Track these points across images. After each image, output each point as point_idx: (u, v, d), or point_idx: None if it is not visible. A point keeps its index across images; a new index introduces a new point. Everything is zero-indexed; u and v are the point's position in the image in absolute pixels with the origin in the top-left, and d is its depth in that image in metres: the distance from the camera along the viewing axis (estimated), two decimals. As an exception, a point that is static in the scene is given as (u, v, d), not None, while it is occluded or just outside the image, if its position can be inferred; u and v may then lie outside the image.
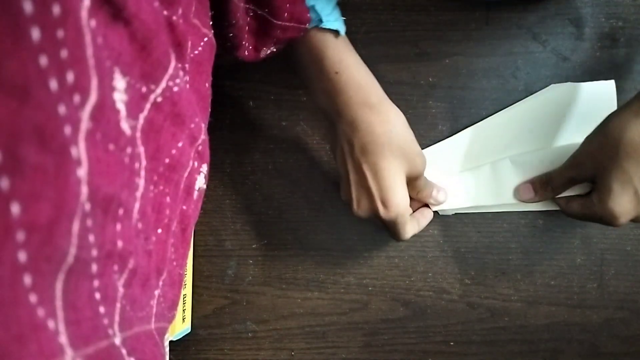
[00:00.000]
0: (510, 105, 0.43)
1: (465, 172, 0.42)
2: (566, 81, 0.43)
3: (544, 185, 0.40)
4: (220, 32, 0.29)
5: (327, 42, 0.33)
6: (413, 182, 0.37)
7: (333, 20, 0.33)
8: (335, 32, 0.33)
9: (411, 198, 0.37)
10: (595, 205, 0.35)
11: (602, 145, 0.34)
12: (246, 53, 0.32)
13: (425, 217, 0.40)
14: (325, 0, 0.33)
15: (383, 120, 0.34)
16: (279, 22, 0.31)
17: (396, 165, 0.34)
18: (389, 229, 0.36)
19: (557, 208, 0.41)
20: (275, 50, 0.34)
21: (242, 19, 0.29)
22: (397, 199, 0.34)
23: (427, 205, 0.41)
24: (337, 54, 0.34)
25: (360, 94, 0.33)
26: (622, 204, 0.33)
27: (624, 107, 0.34)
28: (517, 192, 0.41)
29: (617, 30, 0.43)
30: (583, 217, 0.37)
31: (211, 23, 0.27)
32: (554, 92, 0.42)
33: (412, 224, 0.37)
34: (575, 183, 0.38)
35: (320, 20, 0.32)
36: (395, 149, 0.34)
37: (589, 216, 0.36)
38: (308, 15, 0.32)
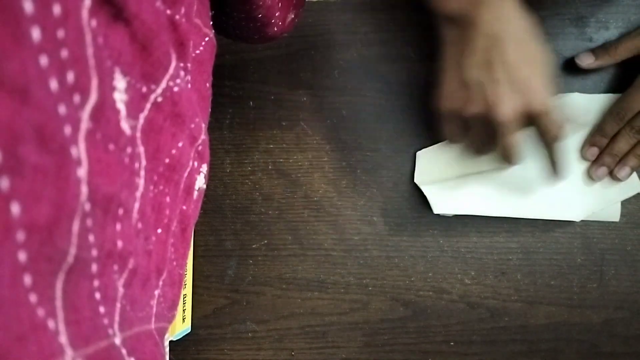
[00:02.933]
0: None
1: (468, 176, 0.42)
2: (566, 81, 0.43)
3: (606, 49, 0.38)
4: (248, 15, 0.29)
5: None
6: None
7: None
8: None
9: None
10: None
11: None
12: (275, 29, 0.33)
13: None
14: None
15: (521, 9, 0.32)
16: None
17: (544, 50, 0.32)
18: (539, 127, 0.33)
19: (559, 218, 0.40)
20: (294, 17, 0.34)
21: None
22: (551, 86, 0.31)
23: None
24: None
25: None
26: None
27: None
28: (578, 57, 0.40)
29: (617, 30, 0.43)
30: (633, 99, 0.37)
31: (237, 13, 0.28)
32: (571, 100, 0.42)
33: None
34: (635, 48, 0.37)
35: None
36: (535, 38, 0.32)
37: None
38: None
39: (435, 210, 0.41)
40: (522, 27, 0.32)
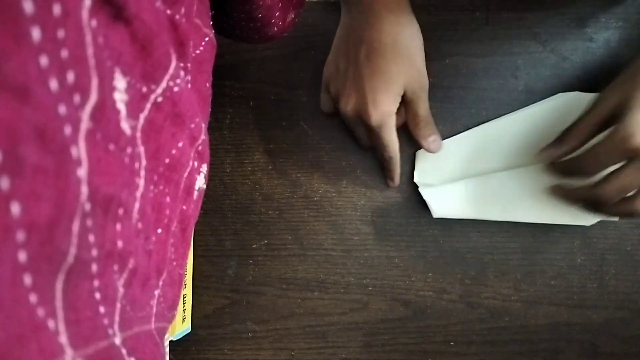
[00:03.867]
0: (510, 105, 0.43)
1: (469, 180, 0.41)
2: (566, 81, 0.43)
3: (566, 132, 0.36)
4: (248, 15, 0.30)
5: None
6: (413, 108, 0.37)
7: None
8: None
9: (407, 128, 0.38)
10: (613, 131, 0.31)
11: (627, 77, 0.31)
12: (275, 29, 0.33)
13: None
14: None
15: (396, 22, 0.33)
16: None
17: (396, 71, 0.34)
18: (372, 137, 0.36)
19: (570, 223, 0.40)
20: (294, 16, 0.35)
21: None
22: (384, 104, 0.34)
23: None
24: None
25: None
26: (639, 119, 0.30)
27: None
28: (541, 153, 0.37)
29: (617, 30, 0.43)
30: (602, 154, 0.32)
31: (237, 13, 0.28)
32: (561, 101, 0.42)
33: (396, 137, 0.37)
34: (600, 125, 0.33)
35: None
36: (399, 56, 0.33)
37: (607, 148, 0.31)
38: None
39: (435, 215, 0.41)
40: (383, 42, 0.34)
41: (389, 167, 0.40)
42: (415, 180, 0.43)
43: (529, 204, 0.41)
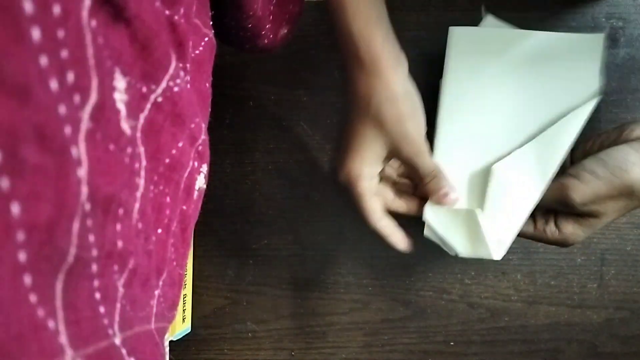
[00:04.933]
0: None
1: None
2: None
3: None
4: (238, 24, 0.29)
5: None
6: (412, 168, 0.33)
7: None
8: None
9: (416, 186, 0.34)
10: (566, 238, 0.33)
11: (618, 187, 0.30)
12: (266, 41, 0.32)
13: (404, 205, 0.35)
14: None
15: (369, 83, 0.30)
16: None
17: (370, 135, 0.31)
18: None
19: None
20: (287, 32, 0.34)
21: (261, 10, 0.29)
22: (350, 164, 0.31)
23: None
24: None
25: (352, 45, 0.30)
26: (588, 185, 0.31)
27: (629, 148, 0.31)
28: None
29: (617, 30, 0.43)
30: (531, 238, 0.35)
31: (228, 20, 0.28)
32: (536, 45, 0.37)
33: (376, 202, 0.33)
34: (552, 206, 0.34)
35: None
36: (372, 119, 0.31)
37: (546, 242, 0.34)
38: None
39: (496, 257, 0.34)
40: (377, 106, 0.31)
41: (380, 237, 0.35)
42: (426, 234, 0.37)
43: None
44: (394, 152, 0.32)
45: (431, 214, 0.35)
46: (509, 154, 0.36)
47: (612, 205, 0.31)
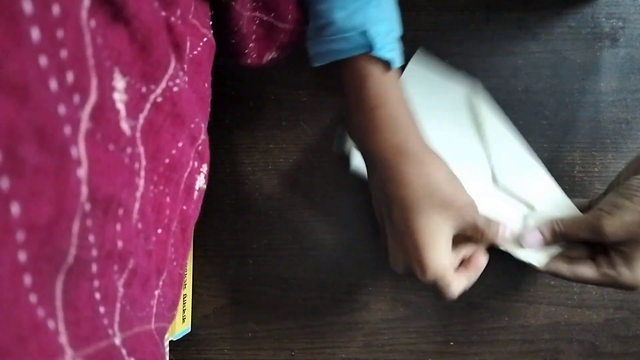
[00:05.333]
0: (511, 105, 0.43)
1: None
2: (566, 81, 0.43)
3: (555, 236, 0.36)
4: (224, 38, 0.29)
5: (371, 72, 0.29)
6: (470, 230, 0.32)
7: (386, 50, 0.29)
8: (386, 64, 0.29)
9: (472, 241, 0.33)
10: (622, 275, 0.32)
11: (629, 208, 0.31)
12: (249, 61, 0.32)
13: (476, 267, 0.33)
14: (384, 27, 0.29)
15: (422, 172, 0.29)
16: (284, 26, 0.30)
17: (439, 222, 0.29)
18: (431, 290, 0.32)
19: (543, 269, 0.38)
20: (276, 56, 0.34)
21: (245, 28, 0.29)
22: (435, 262, 0.29)
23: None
24: (378, 87, 0.29)
25: (397, 137, 0.29)
26: None
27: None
28: (522, 238, 0.37)
29: (617, 30, 0.43)
30: (597, 284, 0.34)
31: (211, 24, 0.27)
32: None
33: (460, 281, 0.32)
34: (591, 238, 0.34)
35: (370, 48, 0.28)
36: (438, 204, 0.29)
37: (608, 284, 0.34)
38: (307, 17, 0.31)
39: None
40: (413, 197, 0.30)
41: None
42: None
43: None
44: (459, 230, 0.31)
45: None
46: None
47: None
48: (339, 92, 0.44)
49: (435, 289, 0.31)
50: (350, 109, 0.31)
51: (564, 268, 0.36)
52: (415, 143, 0.30)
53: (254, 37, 0.31)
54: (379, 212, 0.32)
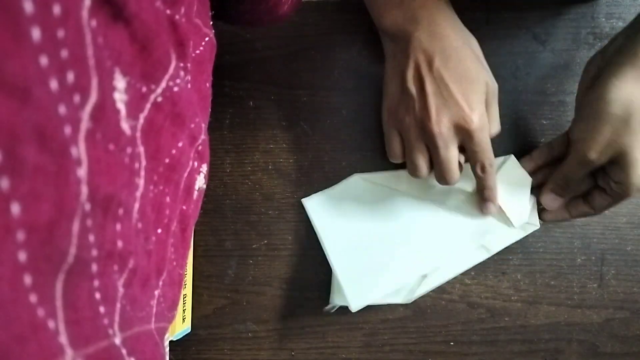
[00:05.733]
0: (510, 105, 0.43)
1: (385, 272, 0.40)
2: (566, 81, 0.43)
3: (565, 188, 0.37)
4: None
5: None
6: (488, 111, 0.35)
7: None
8: None
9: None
10: (622, 187, 0.33)
11: (603, 114, 0.31)
12: (286, 7, 0.32)
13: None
14: None
15: (458, 30, 0.33)
16: None
17: (476, 71, 0.32)
18: (472, 147, 0.33)
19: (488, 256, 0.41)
20: None
21: None
22: (481, 104, 0.32)
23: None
24: None
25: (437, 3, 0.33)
26: None
27: (608, 75, 0.31)
28: (544, 201, 0.39)
29: (617, 30, 0.43)
30: (609, 207, 0.36)
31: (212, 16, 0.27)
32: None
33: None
34: (589, 170, 0.35)
35: None
36: (473, 55, 0.32)
37: (616, 202, 0.35)
38: None
39: (353, 309, 0.39)
40: (454, 46, 0.32)
41: (487, 181, 0.36)
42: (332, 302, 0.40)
43: (456, 254, 0.41)
44: (487, 89, 0.34)
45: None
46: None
47: (627, 138, 0.31)
48: (339, 92, 0.44)
49: (480, 139, 0.32)
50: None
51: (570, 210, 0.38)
52: (451, 8, 0.35)
53: None
54: (415, 80, 0.33)
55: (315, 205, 0.42)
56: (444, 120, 0.32)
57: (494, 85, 0.34)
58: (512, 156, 0.41)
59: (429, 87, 0.32)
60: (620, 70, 0.30)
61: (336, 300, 0.40)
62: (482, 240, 0.40)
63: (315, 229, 0.42)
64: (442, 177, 0.34)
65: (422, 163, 0.34)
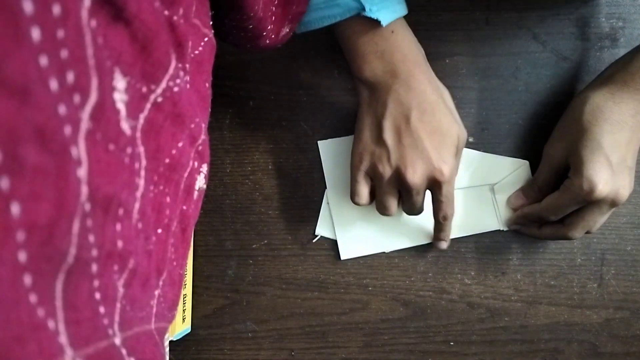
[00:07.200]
0: (510, 105, 0.43)
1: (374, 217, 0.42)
2: (566, 81, 0.43)
3: (531, 186, 0.41)
4: (238, 25, 0.29)
5: (364, 28, 0.34)
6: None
7: (376, 10, 0.32)
8: (377, 22, 0.32)
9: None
10: (572, 183, 0.35)
11: (567, 122, 0.36)
12: (268, 41, 0.33)
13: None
14: None
15: (434, 84, 0.35)
16: None
17: (448, 126, 0.34)
18: (439, 197, 0.35)
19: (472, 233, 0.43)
20: (289, 30, 0.34)
21: (262, 11, 0.29)
22: (452, 157, 0.34)
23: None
24: (373, 36, 0.34)
25: (414, 53, 0.34)
26: (596, 170, 0.33)
27: (584, 89, 0.37)
28: (509, 200, 0.42)
29: (617, 30, 0.43)
30: (565, 206, 0.36)
31: (228, 21, 0.27)
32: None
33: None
34: (556, 173, 0.38)
35: (360, 10, 0.32)
36: (446, 110, 0.34)
37: (570, 200, 0.36)
38: None
39: (343, 257, 0.43)
40: (429, 100, 0.34)
41: (445, 227, 0.39)
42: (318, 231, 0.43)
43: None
44: (458, 141, 0.36)
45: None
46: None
47: (585, 141, 0.35)
48: (339, 92, 0.44)
49: (447, 193, 0.35)
50: (363, 44, 0.34)
51: (528, 209, 0.40)
52: (425, 61, 0.36)
53: (273, 18, 0.31)
54: (392, 131, 0.34)
55: (328, 149, 0.43)
56: (418, 171, 0.34)
57: (463, 137, 0.36)
58: (527, 163, 0.42)
59: (406, 140, 0.34)
60: (595, 87, 0.35)
61: (321, 232, 0.43)
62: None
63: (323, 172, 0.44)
64: (411, 213, 0.38)
65: (393, 205, 0.37)
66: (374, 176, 0.36)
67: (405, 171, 0.34)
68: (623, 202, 0.35)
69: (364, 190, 0.37)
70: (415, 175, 0.34)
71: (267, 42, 0.33)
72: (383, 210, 0.37)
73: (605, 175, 0.33)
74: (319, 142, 0.43)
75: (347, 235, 0.43)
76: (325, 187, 0.43)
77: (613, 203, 0.34)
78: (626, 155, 0.34)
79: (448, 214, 0.37)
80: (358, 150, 0.37)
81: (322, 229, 0.43)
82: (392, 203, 0.36)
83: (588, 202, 0.35)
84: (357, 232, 0.43)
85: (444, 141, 0.34)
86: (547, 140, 0.39)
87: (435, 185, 0.35)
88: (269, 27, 0.31)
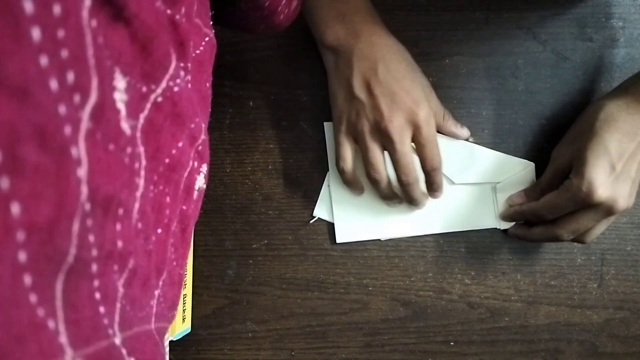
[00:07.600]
0: (511, 105, 0.43)
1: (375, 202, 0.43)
2: (566, 81, 0.43)
3: (534, 188, 0.41)
4: (255, 4, 0.30)
5: None
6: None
7: None
8: None
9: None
10: (572, 184, 0.35)
11: (579, 128, 0.37)
12: (282, 17, 0.33)
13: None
14: None
15: (393, 38, 0.37)
16: None
17: (415, 70, 0.37)
18: (420, 141, 0.36)
19: (469, 228, 0.43)
20: (297, 3, 0.35)
21: None
22: (424, 97, 0.35)
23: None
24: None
25: (372, 13, 0.37)
26: (598, 173, 0.33)
27: (601, 97, 0.37)
28: (510, 199, 0.42)
29: (617, 30, 0.43)
30: (562, 205, 0.36)
31: (244, 3, 0.28)
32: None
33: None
34: (560, 176, 0.38)
35: None
36: (411, 61, 0.37)
37: (567, 200, 0.35)
38: None
39: (339, 240, 0.43)
40: (393, 50, 0.36)
41: (435, 177, 0.38)
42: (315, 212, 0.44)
43: (437, 217, 0.43)
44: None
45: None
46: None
47: (591, 142, 0.35)
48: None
49: (427, 127, 0.36)
50: (325, 8, 0.37)
51: (527, 207, 0.40)
52: (382, 21, 0.38)
53: None
54: (362, 88, 0.36)
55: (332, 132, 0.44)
56: (395, 115, 0.35)
57: (427, 82, 0.39)
58: (533, 165, 0.42)
59: (377, 90, 0.35)
60: (611, 96, 0.36)
61: (319, 214, 0.44)
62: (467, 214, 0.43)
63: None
64: (402, 172, 0.37)
65: (380, 162, 0.37)
66: (355, 136, 0.37)
67: (382, 119, 0.35)
68: (620, 211, 0.34)
69: (347, 153, 0.38)
70: (394, 120, 0.35)
71: (281, 17, 0.33)
72: (371, 170, 0.37)
73: (607, 181, 0.33)
74: (325, 123, 0.44)
75: (344, 218, 0.43)
76: (328, 170, 0.44)
77: (609, 211, 0.34)
78: (632, 166, 0.34)
79: (435, 161, 0.37)
80: (336, 114, 0.38)
81: (320, 211, 0.43)
82: (378, 158, 0.37)
83: (585, 205, 0.34)
84: (355, 217, 0.43)
85: (413, 85, 0.35)
86: (551, 142, 0.40)
87: (415, 128, 0.35)
88: (283, 2, 0.32)
